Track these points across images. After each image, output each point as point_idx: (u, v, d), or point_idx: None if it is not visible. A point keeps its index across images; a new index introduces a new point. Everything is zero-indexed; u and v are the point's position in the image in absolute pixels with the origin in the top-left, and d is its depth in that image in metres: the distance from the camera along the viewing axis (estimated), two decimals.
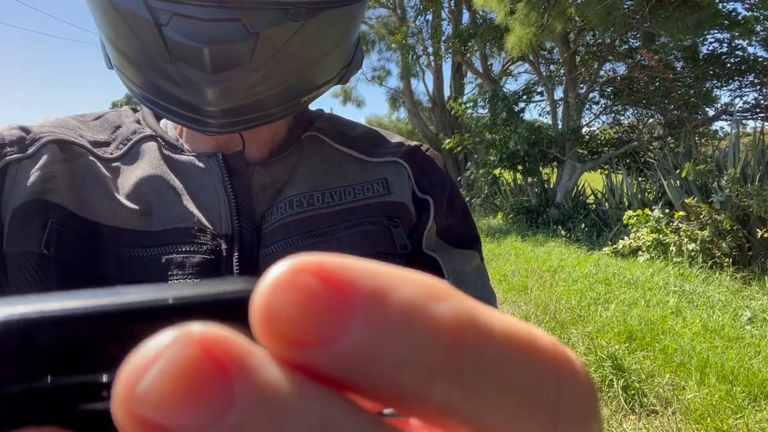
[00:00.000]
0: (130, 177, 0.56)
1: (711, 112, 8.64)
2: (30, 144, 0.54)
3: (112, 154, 0.58)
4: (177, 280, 0.50)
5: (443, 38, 11.38)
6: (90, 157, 0.56)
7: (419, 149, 0.67)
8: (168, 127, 0.64)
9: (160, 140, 0.60)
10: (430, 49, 12.44)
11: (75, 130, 0.58)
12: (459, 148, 9.98)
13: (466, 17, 11.49)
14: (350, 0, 0.52)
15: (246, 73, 0.47)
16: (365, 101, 18.17)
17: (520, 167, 9.28)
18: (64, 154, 0.55)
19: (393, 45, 12.41)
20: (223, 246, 0.53)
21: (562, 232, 7.51)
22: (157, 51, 0.46)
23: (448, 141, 10.04)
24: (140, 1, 0.44)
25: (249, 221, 0.56)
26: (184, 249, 0.52)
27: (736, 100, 8.74)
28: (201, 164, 0.57)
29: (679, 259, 5.13)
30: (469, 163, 10.54)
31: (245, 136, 0.59)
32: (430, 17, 12.39)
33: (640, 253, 5.55)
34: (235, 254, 0.53)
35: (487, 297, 0.62)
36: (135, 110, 0.67)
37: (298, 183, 0.59)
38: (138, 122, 0.64)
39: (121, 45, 0.50)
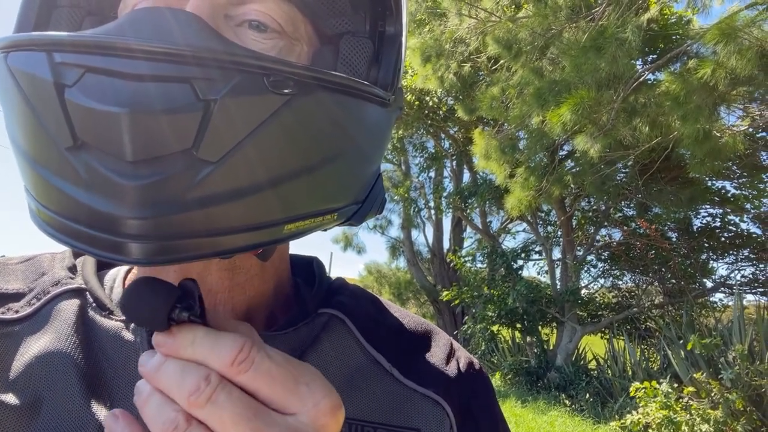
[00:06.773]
0: (26, 351, 0.41)
1: (709, 284, 8.70)
2: None
3: (17, 312, 0.44)
4: None
5: (444, 194, 11.90)
6: None
7: (469, 379, 0.53)
8: (119, 278, 0.49)
9: (89, 296, 0.45)
10: (432, 203, 12.93)
11: None
12: (457, 301, 9.87)
13: (467, 176, 12.13)
14: (367, 94, 0.37)
15: (189, 163, 0.30)
16: (366, 248, 18.47)
17: (518, 325, 9.10)
18: None
19: (396, 197, 12.92)
20: None
21: (566, 401, 7.14)
22: (57, 129, 0.30)
23: (446, 293, 9.96)
24: (42, 58, 0.30)
25: None
26: None
27: (734, 274, 8.86)
28: (129, 336, 0.42)
29: None
30: (466, 317, 10.36)
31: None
32: (432, 174, 13.09)
33: (650, 431, 5.18)
34: None
35: None
36: (79, 254, 0.52)
37: None
38: (71, 269, 0.48)
39: (18, 136, 0.34)
